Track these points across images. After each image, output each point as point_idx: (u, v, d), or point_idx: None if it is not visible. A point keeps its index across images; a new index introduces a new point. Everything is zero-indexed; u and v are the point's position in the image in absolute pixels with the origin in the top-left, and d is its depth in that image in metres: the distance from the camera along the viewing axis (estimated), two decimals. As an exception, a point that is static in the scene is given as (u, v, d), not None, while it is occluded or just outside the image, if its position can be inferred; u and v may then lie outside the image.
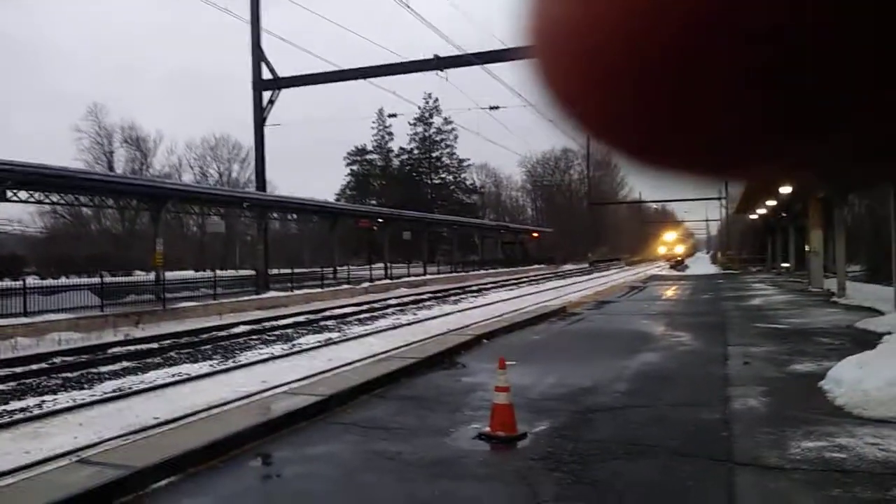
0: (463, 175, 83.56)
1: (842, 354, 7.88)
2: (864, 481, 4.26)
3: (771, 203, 31.24)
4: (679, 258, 74.07)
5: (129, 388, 9.47)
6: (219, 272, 25.85)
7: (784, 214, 33.70)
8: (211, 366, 11.46)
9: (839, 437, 5.17)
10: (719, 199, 66.61)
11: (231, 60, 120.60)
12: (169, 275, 22.42)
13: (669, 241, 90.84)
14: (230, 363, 11.71)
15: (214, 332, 15.58)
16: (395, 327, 16.94)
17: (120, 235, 51.27)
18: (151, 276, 22.90)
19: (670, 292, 23.66)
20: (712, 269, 49.07)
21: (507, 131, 47.87)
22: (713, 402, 6.39)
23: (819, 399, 6.37)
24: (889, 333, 7.76)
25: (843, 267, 20.26)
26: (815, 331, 11.57)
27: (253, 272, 27.08)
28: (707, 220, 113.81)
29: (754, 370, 7.99)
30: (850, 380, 6.34)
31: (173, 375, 10.48)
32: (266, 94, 28.94)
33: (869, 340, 8.91)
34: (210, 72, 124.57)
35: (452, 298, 27.49)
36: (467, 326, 14.60)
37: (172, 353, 12.85)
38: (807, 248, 25.02)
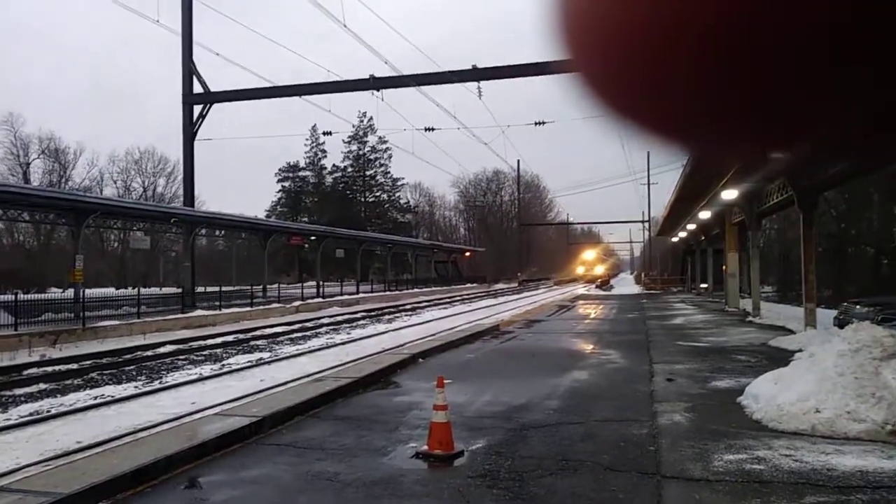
0: (397, 194, 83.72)
1: (758, 371, 8.35)
2: (780, 491, 4.54)
3: (691, 227, 32.73)
4: (603, 278, 72.57)
5: (48, 412, 8.99)
6: (142, 290, 24.85)
7: (703, 237, 35.33)
8: (136, 387, 11.02)
9: (757, 449, 5.48)
10: (643, 221, 69.15)
11: (160, 73, 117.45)
12: (88, 292, 21.44)
13: (589, 261, 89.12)
14: (157, 384, 11.30)
15: (139, 352, 14.99)
16: (328, 347, 16.74)
17: (34, 250, 48.65)
18: (69, 293, 21.84)
19: (597, 311, 24.34)
20: (636, 290, 50.73)
21: (442, 152, 48.32)
22: (641, 418, 6.64)
23: (738, 414, 6.73)
24: (800, 351, 8.27)
25: (757, 288, 21.40)
26: (732, 349, 12.18)
27: (178, 290, 26.20)
28: (631, 242, 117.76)
29: (678, 387, 8.35)
30: (766, 395, 6.73)
31: (95, 398, 10.02)
32: (197, 109, 28.29)
33: (782, 357, 9.46)
34: (137, 84, 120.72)
35: (387, 317, 27.39)
36: (402, 345, 14.58)
37: (94, 375, 12.29)
38: (724, 269, 26.26)
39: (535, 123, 31.04)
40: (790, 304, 26.57)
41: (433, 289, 50.92)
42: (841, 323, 11.62)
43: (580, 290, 51.41)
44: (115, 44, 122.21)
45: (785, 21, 0.35)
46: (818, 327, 13.89)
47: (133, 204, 34.68)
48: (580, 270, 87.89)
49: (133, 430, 7.66)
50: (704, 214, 25.18)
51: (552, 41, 0.43)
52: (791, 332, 14.19)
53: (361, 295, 38.06)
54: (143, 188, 64.85)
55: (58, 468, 5.31)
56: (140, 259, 55.12)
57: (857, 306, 12.60)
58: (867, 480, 4.69)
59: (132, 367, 13.22)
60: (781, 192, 17.51)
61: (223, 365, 13.54)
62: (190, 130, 28.33)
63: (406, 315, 28.82)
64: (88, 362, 13.43)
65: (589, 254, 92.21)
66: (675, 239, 47.29)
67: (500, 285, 68.16)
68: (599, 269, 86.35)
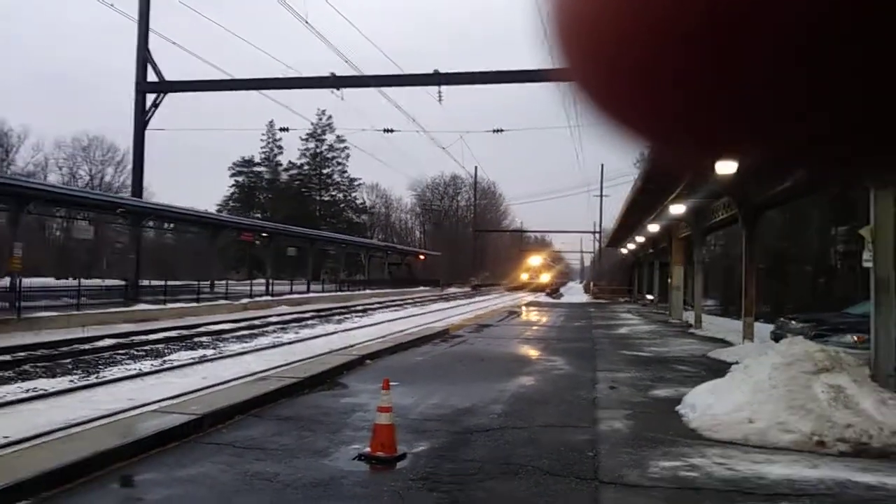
0: (353, 194, 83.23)
1: (696, 381, 8.59)
2: (712, 498, 4.69)
3: (640, 239, 33.46)
4: (549, 286, 68.52)
5: (-26, 405, 8.62)
6: (84, 281, 24.04)
7: (651, 250, 36.18)
8: (71, 381, 10.64)
9: (692, 457, 5.64)
10: (594, 232, 70.49)
11: (114, 60, 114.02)
12: (26, 281, 20.60)
13: (534, 267, 78.76)
14: (93, 379, 10.93)
15: (76, 346, 14.48)
16: (275, 346, 16.48)
17: (-33, 236, 46.57)
18: (5, 281, 20.96)
19: (546, 318, 24.65)
20: (584, 298, 51.55)
21: (400, 154, 48.28)
22: (582, 424, 6.76)
23: (676, 422, 6.91)
24: (737, 363, 8.54)
25: (700, 301, 22.01)
26: (674, 359, 12.50)
27: (122, 283, 25.44)
28: (581, 252, 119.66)
29: (620, 395, 8.53)
30: (703, 405, 6.93)
31: (27, 391, 9.64)
32: (150, 98, 27.57)
33: (720, 369, 9.75)
34: (90, 69, 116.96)
35: (337, 318, 27.14)
36: (351, 346, 14.48)
37: (27, 367, 11.81)
38: (669, 282, 26.94)
39: (494, 131, 31.36)
40: (731, 318, 27.37)
41: (386, 290, 50.72)
42: (777, 337, 12.03)
43: (530, 297, 51.90)
44: (68, 27, 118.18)
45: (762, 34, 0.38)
46: (756, 341, 14.35)
47: (78, 192, 33.58)
48: (524, 277, 78.03)
49: (65, 426, 7.40)
50: (653, 228, 25.78)
51: (544, 44, 0.46)
52: (730, 344, 14.64)
53: (312, 294, 37.63)
54: (90, 176, 62.97)
55: (-19, 463, 5.09)
56: (83, 250, 53.35)
57: (793, 322, 13.07)
58: (794, 488, 4.88)
59: (68, 361, 12.76)
60: (727, 209, 18.06)
61: (165, 361, 13.20)
62: (142, 119, 27.57)
63: (357, 316, 28.63)
64: (22, 354, 12.89)
65: (535, 259, 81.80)
66: (624, 250, 48.26)
67: (453, 289, 68.33)
68: (546, 277, 77.07)
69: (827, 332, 11.24)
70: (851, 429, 5.97)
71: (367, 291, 46.74)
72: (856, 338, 10.38)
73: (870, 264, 8.53)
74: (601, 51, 0.43)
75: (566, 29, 0.44)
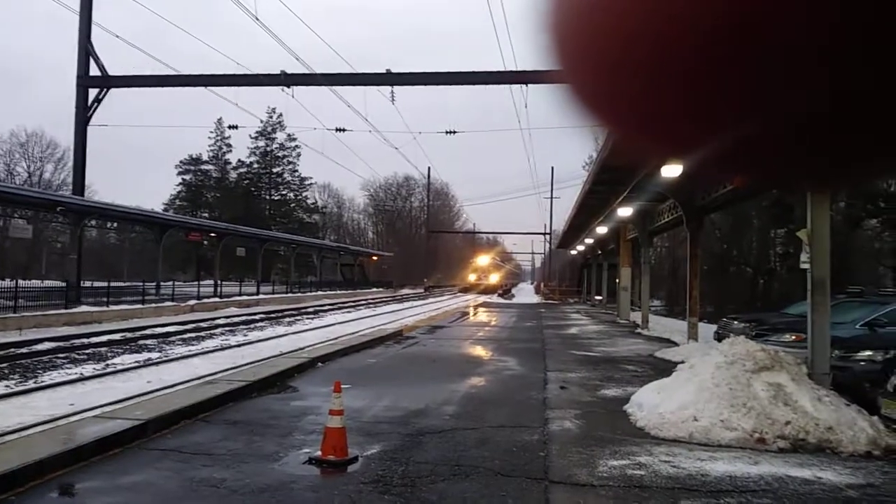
0: (304, 193, 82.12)
1: (644, 381, 8.79)
2: (658, 495, 4.80)
3: (589, 241, 34.07)
4: (498, 287, 66.65)
5: None
6: (21, 282, 23.06)
7: (599, 252, 36.85)
8: (7, 386, 10.20)
9: (640, 455, 5.76)
10: (544, 234, 71.38)
11: (53, 53, 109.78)
12: (-43, 283, 19.66)
13: (482, 267, 73.56)
14: (31, 384, 10.50)
15: (12, 349, 13.88)
16: (223, 348, 16.15)
17: None
18: (-66, 283, 19.94)
19: (498, 319, 24.83)
20: (535, 299, 52.18)
21: (352, 154, 47.91)
22: (533, 425, 6.83)
23: (624, 421, 7.05)
24: (682, 362, 8.77)
25: (647, 302, 22.54)
26: (622, 359, 12.75)
27: (62, 284, 24.51)
28: (532, 253, 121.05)
29: (570, 394, 8.65)
30: (649, 404, 7.09)
31: (-43, 398, 9.21)
32: (93, 93, 26.65)
33: (667, 368, 10.00)
34: (29, 62, 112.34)
35: (287, 320, 26.76)
36: (302, 349, 14.31)
37: (-43, 373, 11.29)
38: (617, 283, 27.51)
39: (446, 132, 31.42)
40: (676, 318, 28.13)
41: (338, 292, 50.28)
42: (720, 337, 12.41)
43: (483, 298, 52.18)
44: (8, 18, 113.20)
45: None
46: (700, 340, 14.78)
47: (15, 189, 32.15)
48: (472, 278, 72.69)
49: (1, 433, 7.09)
50: (601, 229, 26.28)
51: (541, 46, 0.48)
52: (676, 344, 15.03)
53: (262, 296, 37.01)
54: (29, 173, 60.45)
55: None
56: (21, 249, 51.22)
57: (735, 322, 13.49)
58: (736, 485, 5.04)
59: (4, 365, 12.22)
60: (671, 212, 18.56)
61: (107, 365, 12.78)
62: (83, 115, 26.65)
63: (308, 318, 28.29)
64: (-48, 359, 12.32)
65: (483, 259, 76.29)
66: (573, 252, 49.09)
67: (406, 290, 68.20)
68: (495, 278, 72.66)
69: (767, 332, 11.64)
70: (790, 425, 6.20)
71: (319, 293, 46.23)
72: (794, 337, 10.78)
73: (807, 266, 8.88)
74: (588, 46, 0.46)
75: (557, 24, 0.47)
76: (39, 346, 14.42)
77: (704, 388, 6.86)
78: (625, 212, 19.47)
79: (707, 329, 16.83)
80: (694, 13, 0.40)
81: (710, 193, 14.66)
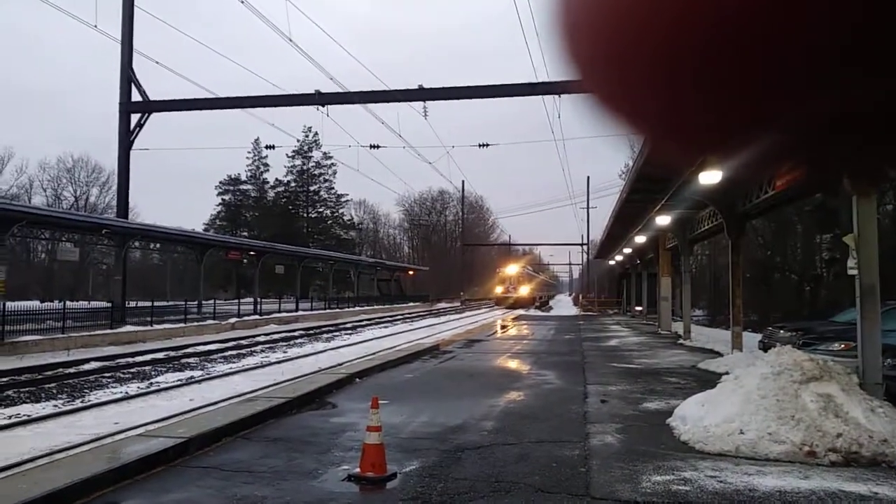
0: (341, 210, 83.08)
1: (687, 393, 8.59)
2: (703, 511, 4.65)
3: (627, 250, 33.60)
4: (539, 300, 63.65)
5: (-45, 432, 8.45)
6: (69, 303, 23.75)
7: (638, 261, 36.30)
8: (56, 406, 10.48)
9: (684, 470, 5.61)
10: (581, 244, 70.68)
11: (97, 80, 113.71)
12: (10, 305, 20.32)
13: (510, 277, 64.46)
14: (78, 403, 10.77)
15: (61, 369, 14.28)
16: (263, 365, 16.34)
17: (-49, 260, 46.01)
18: (-12, 306, 20.64)
19: (536, 332, 24.61)
20: (574, 311, 51.60)
21: (387, 170, 48.33)
22: (573, 439, 6.72)
23: (667, 435, 6.88)
24: (727, 374, 8.54)
25: (688, 312, 22.08)
26: (664, 371, 12.49)
27: (108, 304, 25.17)
28: (570, 264, 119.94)
29: (611, 408, 8.49)
30: (694, 417, 6.91)
31: (10, 417, 9.47)
32: (134, 118, 27.45)
33: (710, 380, 9.76)
34: (72, 90, 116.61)
35: (326, 335, 26.98)
36: (340, 365, 14.38)
37: (10, 392, 11.62)
38: (657, 293, 27.01)
39: (479, 145, 31.40)
40: (719, 328, 27.52)
41: (375, 307, 50.54)
42: (765, 347, 12.06)
43: (520, 310, 51.79)
44: (52, 48, 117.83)
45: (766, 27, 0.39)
46: (744, 351, 14.39)
47: (62, 213, 33.29)
48: (498, 290, 64.76)
49: (49, 452, 7.27)
50: (640, 239, 25.90)
51: (557, 51, 0.47)
52: (719, 354, 14.67)
53: (301, 312, 37.41)
54: (75, 197, 62.50)
55: (-39, 494, 4.97)
56: (68, 271, 52.86)
57: (781, 331, 13.10)
58: (786, 500, 4.86)
59: (53, 385, 12.58)
60: (711, 219, 18.19)
61: (151, 383, 13.04)
62: (126, 140, 27.42)
63: (346, 334, 28.47)
64: (5, 379, 12.69)
65: (510, 268, 66.01)
66: (612, 262, 48.44)
67: (442, 304, 68.19)
68: (525, 290, 64.40)
69: (814, 341, 11.28)
70: (841, 438, 5.97)
71: (357, 308, 46.56)
72: (843, 346, 10.42)
73: (855, 271, 8.57)
74: (606, 51, 0.44)
75: (573, 29, 0.45)
76: (86, 366, 14.79)
77: (750, 400, 6.66)
78: (663, 220, 19.15)
79: (751, 339, 16.39)
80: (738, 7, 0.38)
81: (751, 199, 14.31)
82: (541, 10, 0.48)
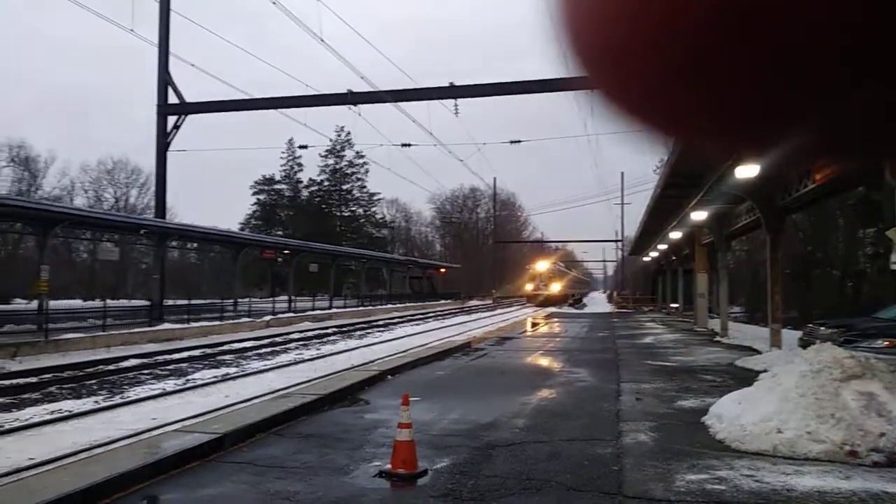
0: (373, 209, 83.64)
1: (723, 391, 8.42)
2: (739, 511, 4.56)
3: (662, 246, 33.12)
4: (573, 297, 63.09)
5: (2, 427, 8.72)
6: (109, 302, 24.36)
7: (674, 258, 35.75)
8: (96, 402, 10.76)
9: (719, 469, 5.50)
10: (616, 240, 69.97)
11: (134, 83, 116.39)
12: (54, 303, 20.98)
13: (541, 274, 63.16)
14: (118, 399, 11.04)
15: (101, 366, 14.65)
16: (296, 362, 16.54)
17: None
18: (33, 304, 21.32)
19: (568, 329, 24.42)
20: (608, 308, 51.10)
21: (418, 168, 48.46)
22: (606, 437, 6.64)
23: (702, 433, 6.76)
24: (765, 371, 8.36)
25: (725, 308, 21.68)
26: (699, 368, 12.28)
27: (147, 302, 25.74)
28: (604, 261, 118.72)
29: (644, 406, 8.37)
30: (730, 415, 6.77)
31: (52, 412, 9.75)
32: (171, 119, 28.00)
33: (747, 378, 9.55)
34: (111, 93, 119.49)
35: (358, 333, 27.19)
36: (372, 362, 14.48)
37: (53, 389, 11.97)
38: (693, 289, 26.59)
39: (511, 142, 31.31)
40: (757, 325, 26.95)
41: (407, 304, 50.76)
42: (805, 344, 11.76)
43: (552, 307, 51.44)
44: (89, 52, 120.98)
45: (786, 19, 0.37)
46: (783, 348, 14.08)
47: (102, 214, 34.17)
48: (528, 288, 63.87)
49: (89, 447, 7.46)
50: (675, 235, 25.51)
51: (559, 53, 0.46)
52: (757, 352, 14.36)
53: (334, 310, 37.77)
54: (115, 199, 64.06)
55: (5, 486, 5.14)
56: (109, 270, 54.19)
57: (821, 328, 12.77)
58: (825, 501, 4.73)
59: (93, 382, 12.92)
60: (749, 214, 17.82)
61: (188, 380, 13.30)
62: (163, 141, 28.00)
63: (378, 331, 28.65)
64: (48, 376, 13.08)
65: (541, 264, 64.71)
66: (646, 258, 47.84)
67: (474, 302, 68.16)
68: (556, 287, 63.20)
69: (856, 338, 10.98)
70: (885, 437, 5.79)
71: (389, 306, 46.81)
72: (887, 343, 10.12)
73: (898, 267, 8.31)
74: (618, 53, 0.43)
75: (581, 33, 0.44)
76: (125, 363, 15.15)
77: (789, 398, 6.50)
78: (699, 216, 18.81)
79: (791, 336, 16.01)
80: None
81: (791, 192, 13.97)
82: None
